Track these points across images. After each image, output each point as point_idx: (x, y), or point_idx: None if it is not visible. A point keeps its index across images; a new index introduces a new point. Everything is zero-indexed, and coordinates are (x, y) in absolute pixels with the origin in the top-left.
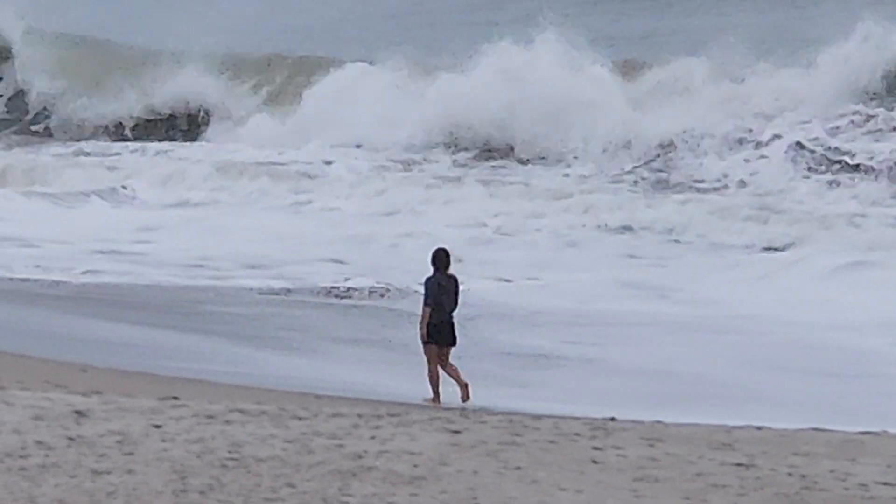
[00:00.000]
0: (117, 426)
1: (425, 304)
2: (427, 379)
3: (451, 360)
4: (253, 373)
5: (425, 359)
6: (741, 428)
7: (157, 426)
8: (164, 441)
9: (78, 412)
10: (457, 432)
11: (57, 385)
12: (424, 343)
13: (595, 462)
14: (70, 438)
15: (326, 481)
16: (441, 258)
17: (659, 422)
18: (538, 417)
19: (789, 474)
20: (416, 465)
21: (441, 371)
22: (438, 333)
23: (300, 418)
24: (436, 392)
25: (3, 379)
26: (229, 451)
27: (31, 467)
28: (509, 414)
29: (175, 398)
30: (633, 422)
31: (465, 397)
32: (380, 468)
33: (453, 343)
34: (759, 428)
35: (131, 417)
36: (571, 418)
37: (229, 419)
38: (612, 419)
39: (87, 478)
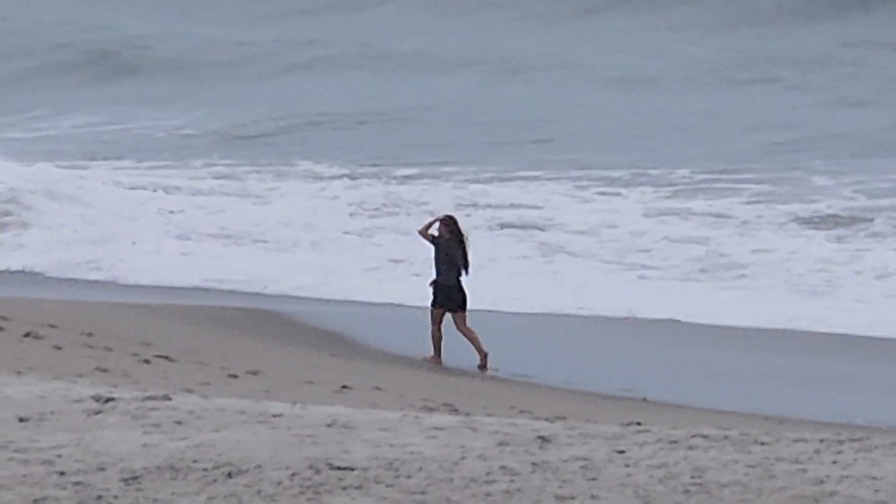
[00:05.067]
0: (581, 452)
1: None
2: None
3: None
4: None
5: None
6: None
7: (621, 451)
8: (627, 466)
9: (542, 437)
10: None
11: (522, 411)
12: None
13: None
14: (534, 464)
15: None
16: (449, 224)
17: None
18: None
19: None
20: (877, 490)
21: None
22: (446, 297)
23: (762, 443)
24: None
25: (469, 405)
26: (692, 477)
27: (496, 493)
28: None
29: (638, 423)
30: None
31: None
32: (841, 493)
33: (463, 308)
34: None
35: (595, 443)
36: None
37: (692, 444)
38: None
39: (550, 503)
